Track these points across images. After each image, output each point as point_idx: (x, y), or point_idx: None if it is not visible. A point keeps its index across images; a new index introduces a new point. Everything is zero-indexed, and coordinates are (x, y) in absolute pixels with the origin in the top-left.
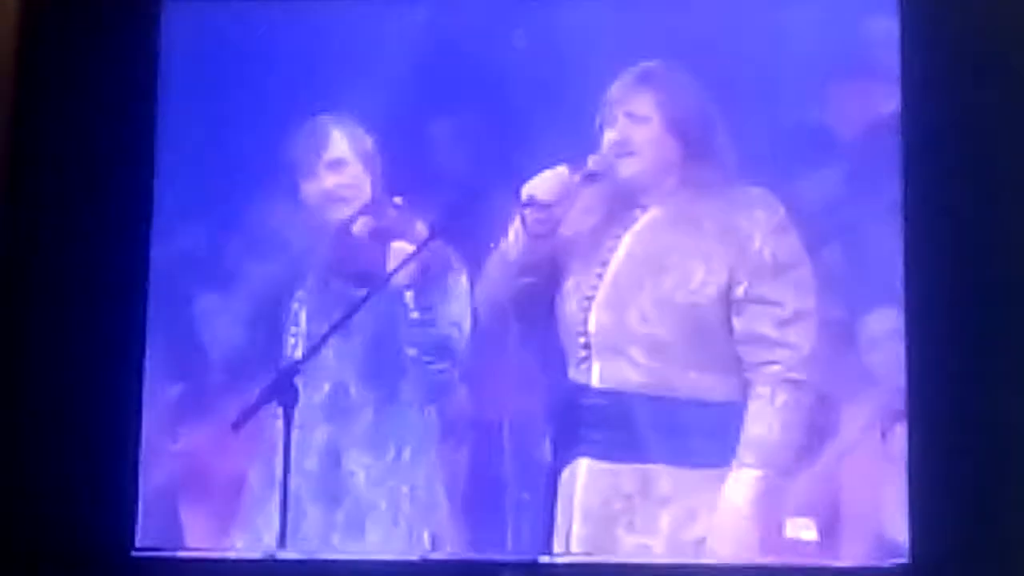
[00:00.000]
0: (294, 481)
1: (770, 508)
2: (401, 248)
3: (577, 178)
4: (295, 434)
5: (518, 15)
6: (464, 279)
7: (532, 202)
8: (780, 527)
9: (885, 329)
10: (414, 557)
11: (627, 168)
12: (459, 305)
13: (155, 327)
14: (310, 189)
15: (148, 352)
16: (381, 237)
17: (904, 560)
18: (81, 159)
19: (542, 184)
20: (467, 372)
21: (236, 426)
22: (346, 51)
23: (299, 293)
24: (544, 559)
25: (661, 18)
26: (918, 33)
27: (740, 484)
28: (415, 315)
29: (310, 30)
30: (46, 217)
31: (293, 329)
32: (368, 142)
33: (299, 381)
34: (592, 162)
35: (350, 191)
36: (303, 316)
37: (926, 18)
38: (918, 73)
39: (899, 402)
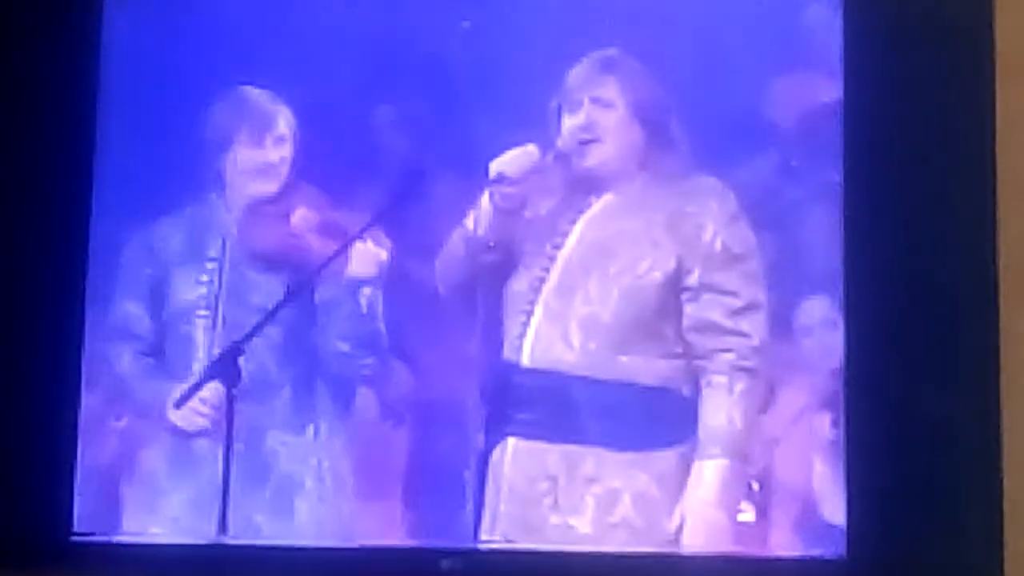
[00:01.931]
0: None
1: (735, 497)
2: (372, 252)
3: (549, 158)
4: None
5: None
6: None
7: (501, 178)
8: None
9: (821, 317)
10: (354, 544)
11: (591, 153)
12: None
13: (93, 309)
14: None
15: (86, 334)
16: (319, 230)
17: (841, 550)
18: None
19: (512, 161)
20: (409, 350)
21: (178, 404)
22: (289, 31)
23: (209, 268)
24: (483, 546)
25: (605, 6)
26: (860, 22)
27: (708, 474)
28: (365, 311)
29: (252, 12)
30: None
31: (201, 312)
32: (293, 124)
33: (241, 361)
34: (562, 143)
35: (277, 170)
36: (215, 295)
37: (868, 7)
38: (859, 62)
39: (834, 388)
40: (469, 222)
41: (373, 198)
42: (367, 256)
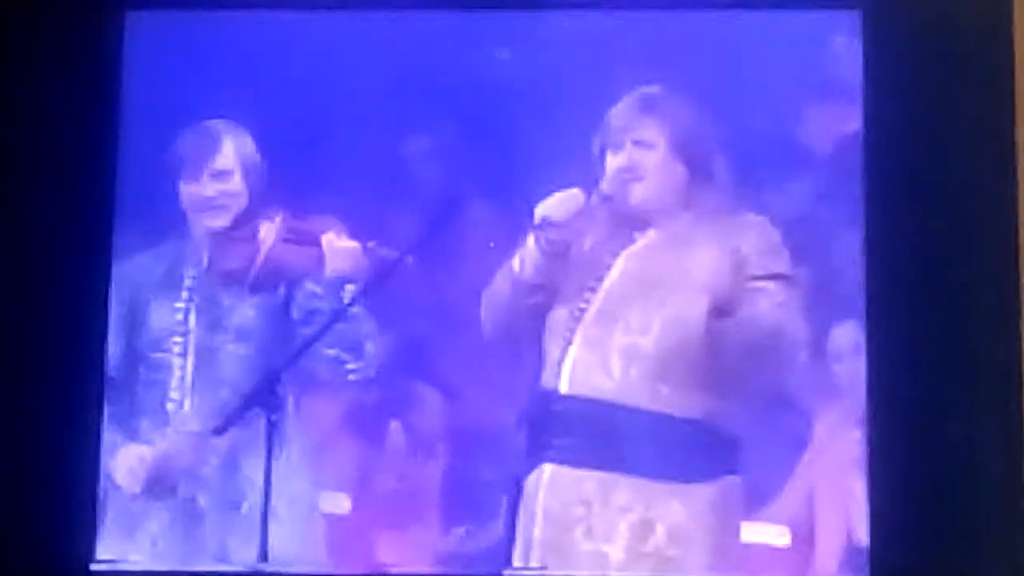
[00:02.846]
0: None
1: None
2: (345, 246)
3: (595, 200)
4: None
5: (504, 32)
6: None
7: (547, 223)
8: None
9: (849, 342)
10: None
11: (636, 192)
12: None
13: (117, 337)
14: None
15: (108, 360)
16: (296, 240)
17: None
18: (41, 165)
19: (558, 205)
20: (448, 376)
21: (218, 432)
22: (324, 61)
23: (182, 297)
24: (506, 572)
25: (643, 42)
26: (880, 52)
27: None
28: (355, 310)
29: (284, 41)
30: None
31: (177, 338)
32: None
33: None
34: (606, 185)
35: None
36: (191, 321)
37: (888, 37)
38: (879, 91)
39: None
40: (515, 264)
41: (406, 229)
42: (343, 252)
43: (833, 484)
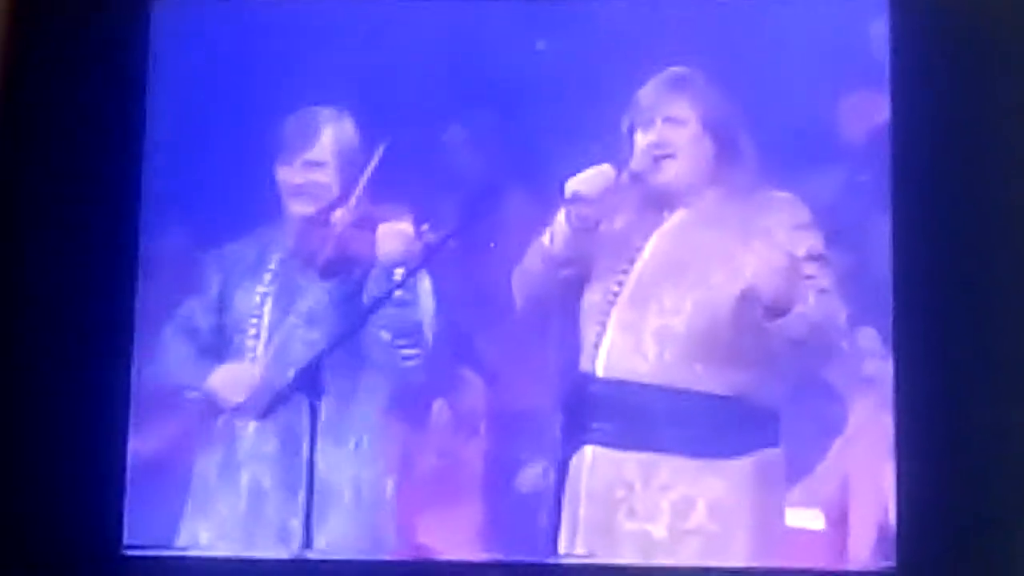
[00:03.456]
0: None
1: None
2: (396, 229)
3: (625, 177)
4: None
5: (539, 21)
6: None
7: (577, 198)
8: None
9: (877, 336)
10: (430, 557)
11: (666, 170)
12: (426, 295)
13: (144, 323)
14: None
15: (135, 347)
16: (363, 226)
17: (891, 564)
18: (68, 158)
19: (587, 180)
20: (486, 361)
21: (262, 416)
22: (356, 49)
23: (265, 280)
24: (532, 560)
25: (672, 25)
26: (909, 39)
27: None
28: (399, 293)
29: (314, 27)
30: (33, 217)
31: (253, 320)
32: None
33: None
34: (636, 163)
35: (322, 189)
36: (267, 307)
37: (918, 24)
38: (909, 80)
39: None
40: (545, 239)
41: (447, 215)
42: (393, 235)
43: (868, 469)
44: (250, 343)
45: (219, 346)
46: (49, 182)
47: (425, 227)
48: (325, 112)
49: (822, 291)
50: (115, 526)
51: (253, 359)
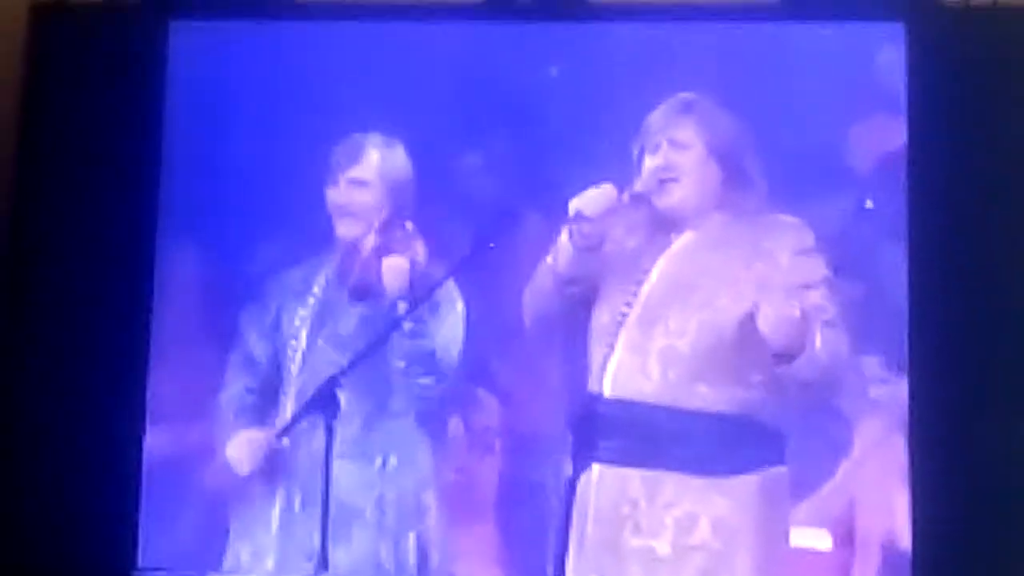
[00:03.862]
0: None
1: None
2: (396, 264)
3: (626, 197)
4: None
5: (551, 47)
6: (459, 303)
7: (580, 217)
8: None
9: (890, 358)
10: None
11: (671, 192)
12: (452, 324)
13: (158, 341)
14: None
15: (151, 367)
16: (382, 253)
17: None
18: (87, 175)
19: (590, 200)
20: (499, 381)
21: (280, 435)
22: (373, 73)
23: (308, 302)
24: None
25: (685, 52)
26: (925, 67)
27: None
28: (408, 326)
29: (330, 50)
30: (51, 232)
31: (293, 343)
32: (399, 163)
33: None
34: (639, 184)
35: (364, 210)
36: (304, 329)
37: (934, 50)
38: (925, 106)
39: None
40: (551, 258)
41: (463, 237)
42: (394, 270)
43: (875, 490)
44: (288, 365)
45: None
46: (68, 197)
47: (409, 225)
48: (374, 137)
49: (828, 325)
50: (129, 547)
51: (288, 382)
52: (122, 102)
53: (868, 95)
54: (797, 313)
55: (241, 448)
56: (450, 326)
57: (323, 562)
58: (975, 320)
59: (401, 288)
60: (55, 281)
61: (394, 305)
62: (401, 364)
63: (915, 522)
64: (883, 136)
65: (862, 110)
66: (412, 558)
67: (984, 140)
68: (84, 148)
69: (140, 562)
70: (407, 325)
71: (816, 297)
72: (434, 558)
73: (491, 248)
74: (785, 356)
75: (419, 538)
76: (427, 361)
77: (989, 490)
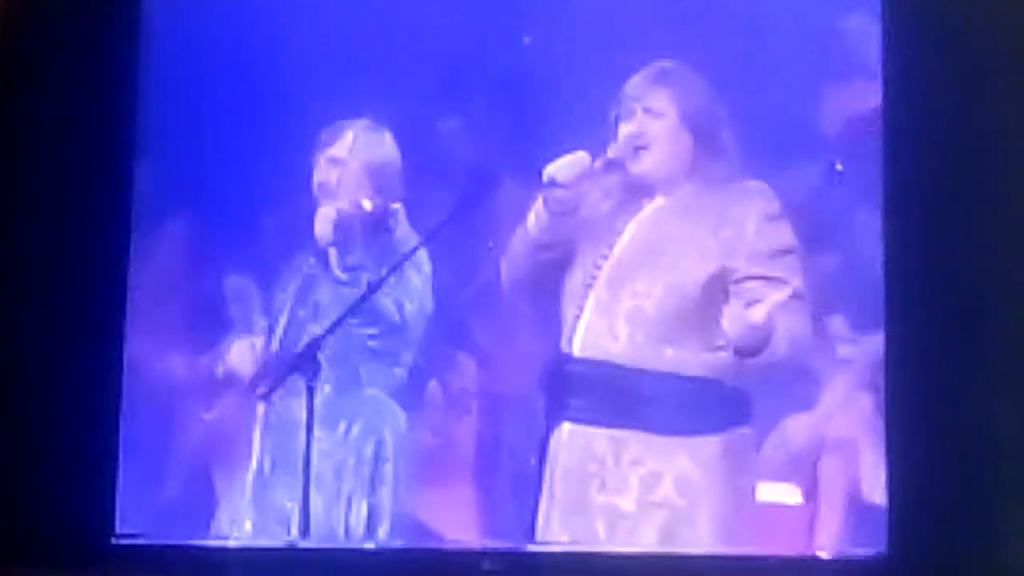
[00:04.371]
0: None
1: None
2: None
3: (598, 164)
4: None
5: (529, 15)
6: (427, 266)
7: (553, 183)
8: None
9: (863, 322)
10: (394, 545)
11: (642, 159)
12: (420, 290)
13: (135, 312)
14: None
15: (127, 338)
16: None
17: (881, 549)
18: (60, 151)
19: (563, 167)
20: (474, 342)
21: (262, 397)
22: (346, 45)
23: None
24: (526, 548)
25: (660, 20)
26: (899, 28)
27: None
28: (342, 276)
29: (307, 21)
30: (24, 209)
31: (277, 314)
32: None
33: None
34: (611, 150)
35: (340, 188)
36: (288, 300)
37: (908, 16)
38: (899, 68)
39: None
40: (528, 223)
41: (440, 205)
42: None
43: (843, 447)
44: (272, 336)
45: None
46: (41, 171)
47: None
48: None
49: (792, 303)
50: (106, 514)
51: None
52: (96, 73)
53: (841, 59)
54: (759, 319)
55: (222, 412)
56: (417, 292)
57: (305, 528)
58: (950, 279)
59: (325, 236)
60: (27, 251)
61: (374, 273)
62: (372, 330)
63: (890, 477)
64: (857, 100)
65: (836, 74)
66: (384, 524)
67: (960, 102)
68: (57, 118)
69: (119, 528)
70: (340, 275)
71: (781, 265)
72: (402, 520)
73: (489, 248)
74: (748, 353)
75: (385, 502)
76: (396, 326)
77: (965, 453)
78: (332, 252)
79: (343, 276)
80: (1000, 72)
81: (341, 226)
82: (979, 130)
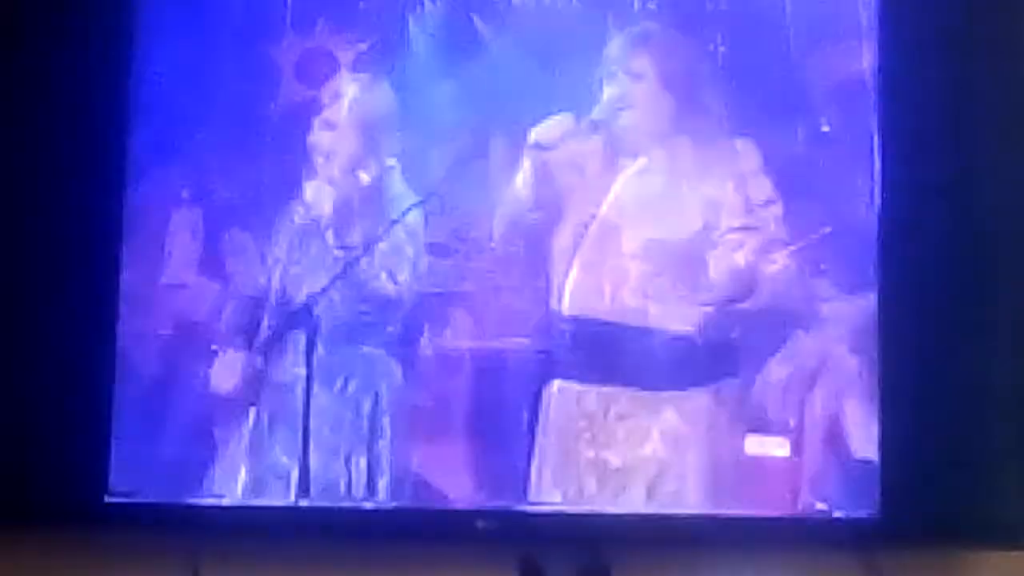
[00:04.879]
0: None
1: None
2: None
3: (584, 124)
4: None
5: None
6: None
7: (538, 145)
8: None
9: (854, 281)
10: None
11: (625, 120)
12: (405, 254)
13: (130, 266)
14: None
15: (122, 296)
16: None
17: (875, 512)
18: (54, 105)
19: (548, 129)
20: (467, 300)
21: (260, 352)
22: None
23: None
24: (518, 507)
25: None
26: None
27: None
28: (338, 253)
29: None
30: (16, 158)
31: (273, 268)
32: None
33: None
34: (596, 112)
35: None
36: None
37: None
38: (895, 32)
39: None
40: (516, 183)
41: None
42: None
43: (828, 404)
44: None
45: None
46: (33, 123)
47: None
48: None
49: (775, 249)
50: (100, 473)
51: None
52: (91, 26)
53: (834, 20)
54: (742, 262)
55: (221, 368)
56: (409, 260)
57: (304, 485)
58: (941, 235)
59: (324, 214)
60: (22, 205)
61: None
62: (364, 307)
63: (883, 435)
64: (844, 63)
65: (827, 35)
66: (384, 480)
67: (956, 68)
68: (50, 72)
69: (112, 487)
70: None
71: (764, 215)
72: (401, 475)
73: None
74: (734, 300)
75: (380, 457)
76: (390, 300)
77: (958, 414)
78: (330, 233)
79: (339, 253)
80: (992, 34)
81: (339, 207)
82: (971, 91)
